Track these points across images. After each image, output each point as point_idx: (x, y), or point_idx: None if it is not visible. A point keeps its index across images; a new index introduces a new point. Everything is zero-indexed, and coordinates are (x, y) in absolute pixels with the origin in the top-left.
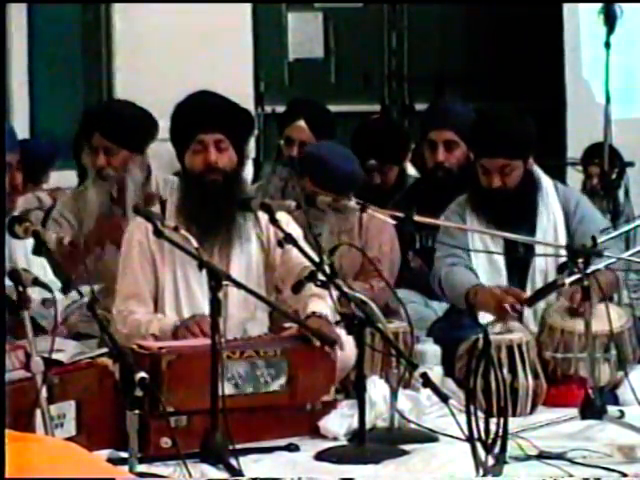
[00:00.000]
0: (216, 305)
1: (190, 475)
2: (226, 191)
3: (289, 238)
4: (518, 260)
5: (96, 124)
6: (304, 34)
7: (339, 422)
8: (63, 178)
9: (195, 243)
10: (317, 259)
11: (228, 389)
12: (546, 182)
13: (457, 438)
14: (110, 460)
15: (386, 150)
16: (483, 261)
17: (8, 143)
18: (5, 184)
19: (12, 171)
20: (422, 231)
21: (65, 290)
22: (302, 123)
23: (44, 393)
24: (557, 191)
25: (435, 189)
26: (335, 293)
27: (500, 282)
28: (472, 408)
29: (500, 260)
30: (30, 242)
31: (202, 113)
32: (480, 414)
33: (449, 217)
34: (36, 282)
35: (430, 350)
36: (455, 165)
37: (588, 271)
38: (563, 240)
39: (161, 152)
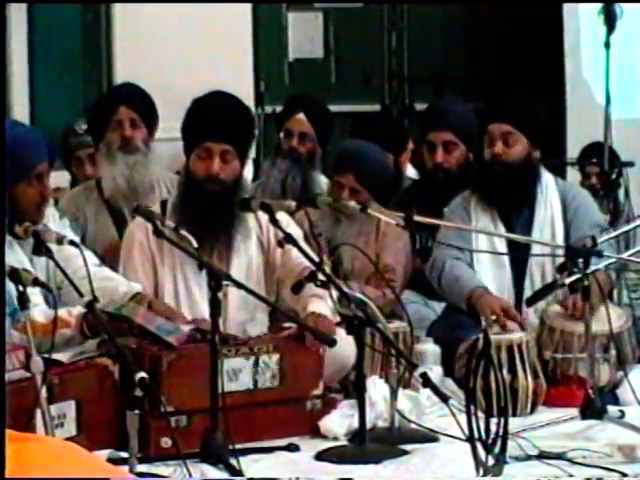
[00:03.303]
0: (216, 305)
1: (190, 475)
2: (224, 201)
3: (289, 238)
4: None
5: (122, 97)
6: (304, 34)
7: (339, 422)
8: (63, 178)
9: (195, 243)
10: (317, 259)
11: (225, 386)
12: (547, 176)
13: (457, 438)
14: (110, 460)
15: (382, 139)
16: (487, 254)
17: (40, 152)
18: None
19: (43, 181)
20: (422, 231)
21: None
22: (302, 116)
23: (44, 393)
24: (557, 185)
25: (434, 190)
26: (335, 293)
27: (504, 276)
28: (472, 408)
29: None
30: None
31: (214, 121)
32: (480, 414)
33: (453, 210)
34: (36, 282)
35: (430, 350)
36: (454, 166)
37: (588, 271)
38: (560, 233)
39: (161, 152)
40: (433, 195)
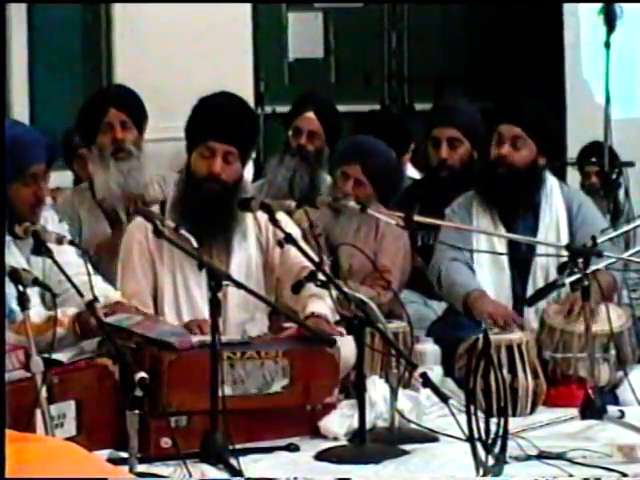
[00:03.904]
0: (216, 305)
1: (190, 475)
2: (223, 201)
3: (289, 238)
4: (521, 256)
5: (111, 99)
6: (304, 34)
7: (339, 422)
8: (63, 178)
9: (195, 243)
10: (317, 259)
11: (229, 390)
12: (552, 181)
13: (457, 438)
14: (110, 460)
15: (386, 139)
16: (487, 256)
17: (36, 153)
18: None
19: (38, 182)
20: (423, 230)
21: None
22: (311, 114)
23: (44, 393)
24: (562, 191)
25: (438, 187)
26: (335, 293)
27: (503, 278)
28: (472, 408)
29: (504, 256)
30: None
31: (219, 121)
32: (480, 414)
33: (455, 210)
34: (36, 282)
35: (430, 350)
36: (458, 163)
37: (588, 271)
38: (565, 239)
39: (161, 152)
40: (436, 193)
